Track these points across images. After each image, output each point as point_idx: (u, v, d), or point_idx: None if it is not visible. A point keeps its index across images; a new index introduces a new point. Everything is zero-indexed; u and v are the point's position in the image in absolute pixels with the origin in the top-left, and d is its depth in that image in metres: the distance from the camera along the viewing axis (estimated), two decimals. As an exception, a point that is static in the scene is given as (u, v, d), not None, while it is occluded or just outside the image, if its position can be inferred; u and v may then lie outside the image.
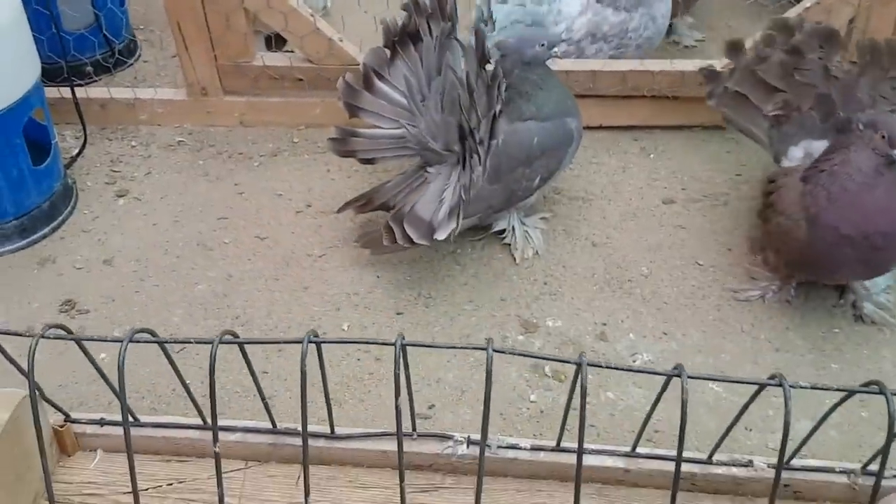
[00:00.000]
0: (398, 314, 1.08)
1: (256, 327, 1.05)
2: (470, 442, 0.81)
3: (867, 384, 0.61)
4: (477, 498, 0.63)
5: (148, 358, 0.97)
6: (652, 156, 1.35)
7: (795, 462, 0.75)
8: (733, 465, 0.79)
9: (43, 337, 0.61)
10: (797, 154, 1.07)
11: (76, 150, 1.35)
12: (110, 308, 1.08)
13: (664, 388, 0.66)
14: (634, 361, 1.00)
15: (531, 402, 0.95)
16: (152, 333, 0.66)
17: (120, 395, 0.61)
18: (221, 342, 0.61)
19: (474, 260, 1.15)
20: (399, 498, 0.79)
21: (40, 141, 1.20)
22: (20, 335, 0.64)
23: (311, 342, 0.61)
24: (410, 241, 1.02)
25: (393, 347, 0.59)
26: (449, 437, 0.82)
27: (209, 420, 0.81)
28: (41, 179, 1.19)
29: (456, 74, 1.05)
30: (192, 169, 1.35)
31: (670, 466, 0.79)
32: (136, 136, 1.42)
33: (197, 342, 0.62)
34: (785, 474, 0.65)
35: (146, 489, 0.78)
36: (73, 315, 1.07)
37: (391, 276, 1.13)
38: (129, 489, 0.79)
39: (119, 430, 0.82)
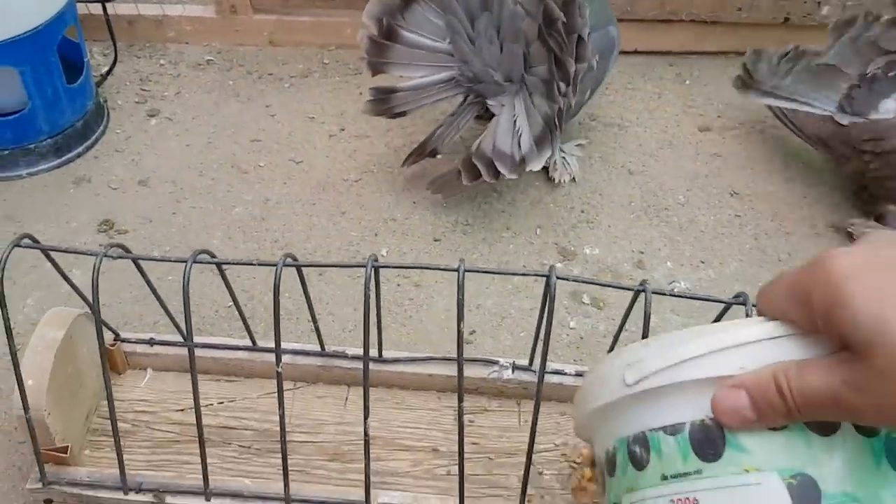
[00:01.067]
0: (436, 240, 1.07)
1: (296, 251, 1.05)
2: (515, 367, 0.82)
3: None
4: (533, 423, 0.63)
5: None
6: (688, 82, 1.32)
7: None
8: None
9: (106, 256, 0.60)
10: (891, 105, 1.05)
11: (105, 69, 1.33)
12: (148, 229, 1.08)
13: (723, 314, 0.65)
14: (673, 289, 0.99)
15: (570, 328, 0.96)
16: (211, 255, 0.65)
17: (185, 315, 0.60)
18: (285, 265, 0.61)
19: (511, 187, 1.13)
20: (444, 418, 0.81)
21: (72, 59, 1.17)
22: (84, 253, 0.63)
23: (374, 266, 0.60)
24: (496, 176, 1.00)
25: (454, 273, 0.58)
26: (494, 362, 0.82)
27: (257, 341, 0.82)
28: (75, 98, 1.16)
29: (520, 5, 1.01)
30: (222, 89, 1.32)
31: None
32: (164, 55, 1.39)
33: (260, 265, 0.62)
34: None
35: (198, 407, 0.79)
36: (111, 235, 1.06)
37: (428, 203, 1.12)
38: (180, 407, 0.80)
39: (168, 350, 0.83)
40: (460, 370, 0.62)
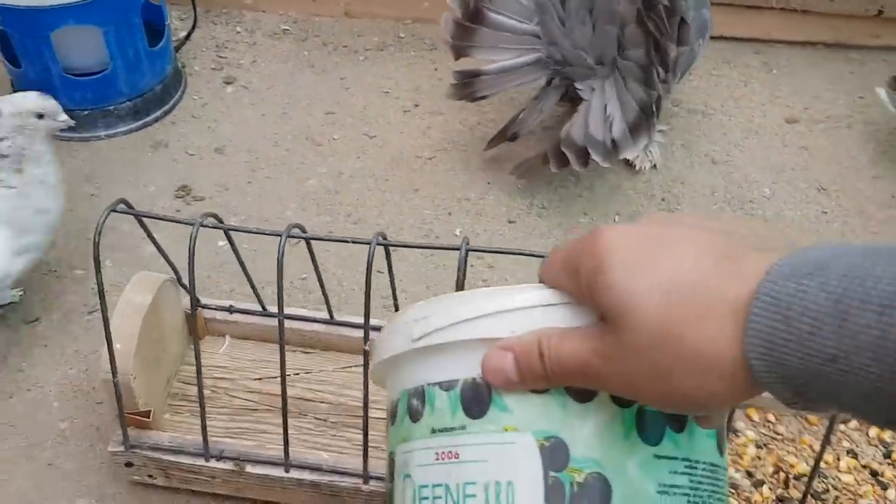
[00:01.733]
0: (510, 222, 1.05)
1: (368, 227, 1.04)
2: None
3: None
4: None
5: (264, 251, 0.96)
6: (774, 71, 1.28)
7: None
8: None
9: (203, 226, 0.60)
10: None
11: (183, 34, 1.33)
12: (224, 197, 1.08)
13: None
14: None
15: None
16: (302, 229, 0.65)
17: (278, 287, 0.60)
18: (378, 244, 0.60)
19: (589, 172, 1.11)
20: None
21: (153, 22, 1.18)
22: (181, 222, 0.63)
23: (468, 250, 0.59)
24: (586, 163, 0.98)
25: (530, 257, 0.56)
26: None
27: (334, 314, 0.81)
28: (155, 61, 1.17)
29: None
30: (297, 59, 1.32)
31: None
32: (240, 22, 1.38)
33: (354, 242, 0.61)
34: None
35: (274, 377, 0.79)
36: (188, 202, 1.07)
37: (503, 183, 1.10)
38: (258, 376, 0.80)
39: (247, 318, 0.83)
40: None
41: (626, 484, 0.38)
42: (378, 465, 0.70)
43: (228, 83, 1.27)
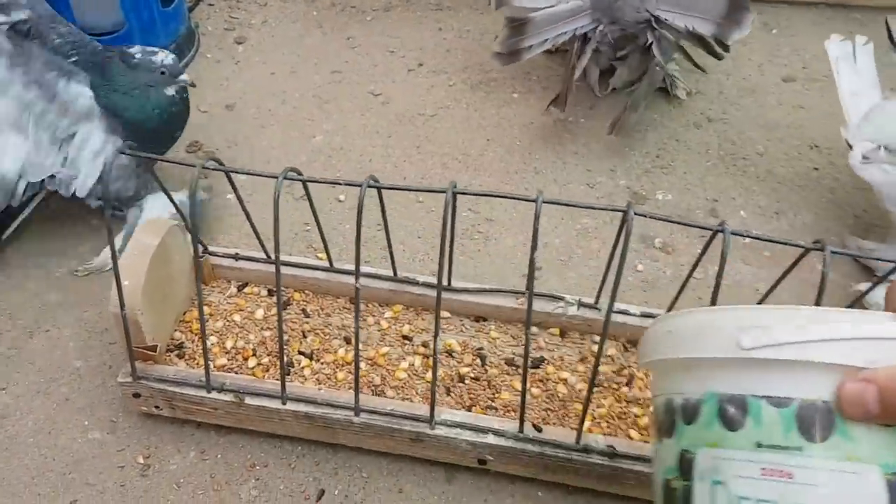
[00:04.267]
0: (509, 177, 1.07)
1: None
2: (581, 304, 0.83)
3: None
4: (598, 357, 0.64)
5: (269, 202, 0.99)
6: (774, 31, 1.28)
7: None
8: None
9: (204, 168, 0.63)
10: None
11: (196, -5, 1.35)
12: (234, 151, 1.11)
13: (799, 259, 0.65)
14: (745, 240, 0.98)
15: (637, 271, 0.96)
16: (298, 172, 0.68)
17: (274, 234, 0.63)
18: (369, 186, 0.62)
19: (585, 129, 1.13)
20: (508, 346, 0.82)
21: (166, -17, 1.20)
22: (183, 164, 0.66)
23: (454, 192, 0.61)
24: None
25: (526, 209, 0.59)
26: (560, 298, 0.83)
27: (333, 263, 0.84)
28: (169, 21, 1.19)
29: None
30: (306, 20, 1.34)
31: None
32: (252, -16, 1.40)
33: (347, 184, 0.63)
34: None
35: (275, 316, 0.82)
36: (199, 156, 1.10)
37: (501, 140, 1.12)
38: (262, 318, 0.83)
39: (252, 265, 0.86)
40: (530, 300, 0.64)
41: None
42: (368, 400, 0.73)
43: (239, 43, 1.29)
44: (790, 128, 1.13)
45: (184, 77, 0.94)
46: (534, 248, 0.61)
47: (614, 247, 0.70)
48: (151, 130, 0.94)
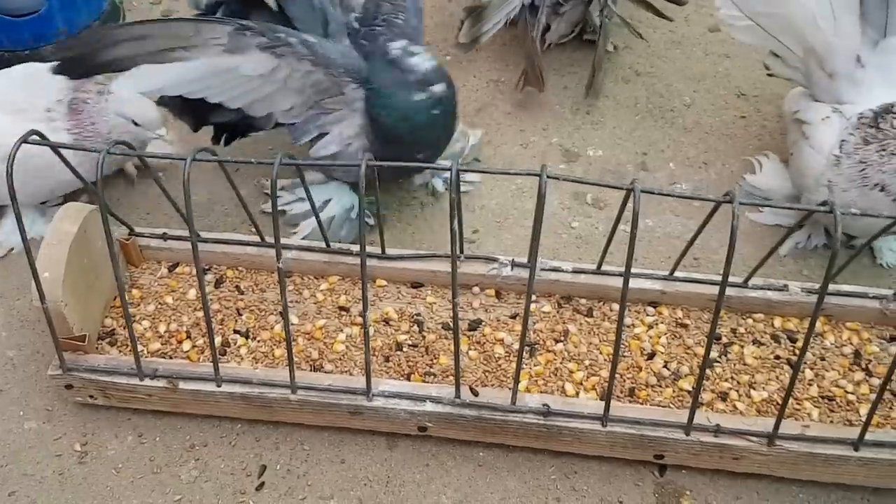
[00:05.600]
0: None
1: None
2: (514, 264, 0.81)
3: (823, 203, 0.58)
4: (525, 314, 0.63)
5: (204, 179, 0.96)
6: (700, -19, 1.26)
7: (830, 287, 0.74)
8: (768, 290, 0.79)
9: (109, 153, 0.59)
10: None
11: (117, -31, 1.28)
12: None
13: (712, 214, 0.64)
14: (673, 190, 0.97)
15: (571, 228, 0.94)
16: (213, 153, 0.65)
17: (187, 211, 0.60)
18: (281, 164, 0.60)
19: (516, 90, 1.10)
20: (445, 311, 0.81)
21: (84, -42, 1.14)
22: (87, 150, 0.62)
23: (367, 164, 0.59)
24: None
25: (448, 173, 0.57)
26: (494, 260, 0.82)
27: (266, 238, 0.82)
28: (90, -1, 1.14)
29: None
30: (233, -10, 1.28)
31: (705, 289, 0.79)
32: (175, -45, 1.34)
33: (258, 163, 0.61)
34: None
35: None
36: (127, 135, 1.05)
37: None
38: (193, 299, 0.80)
39: (181, 245, 0.83)
40: (454, 266, 0.62)
41: None
42: (304, 376, 0.72)
43: (166, 16, 1.24)
44: (716, 77, 1.12)
45: (437, 88, 0.81)
46: (452, 217, 0.59)
47: (538, 206, 0.68)
48: (395, 135, 0.82)
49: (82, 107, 0.84)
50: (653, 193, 0.59)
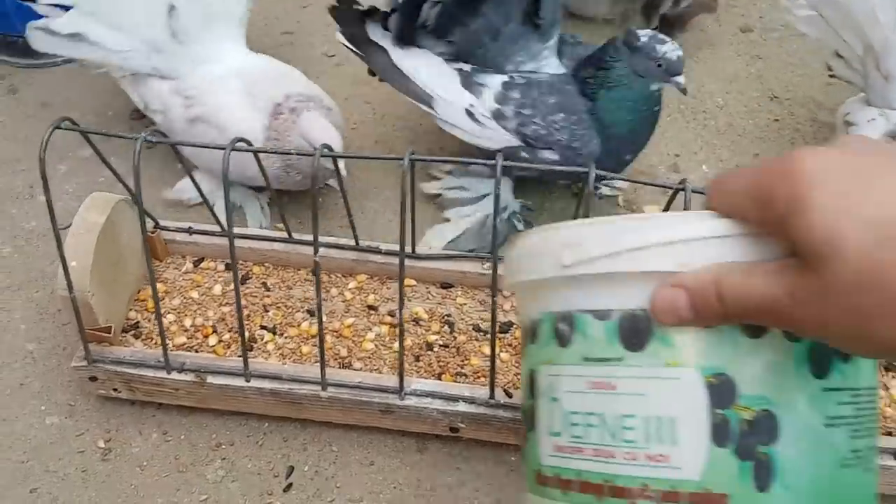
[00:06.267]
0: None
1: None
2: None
3: None
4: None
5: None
6: (730, -19, 1.26)
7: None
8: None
9: (146, 140, 0.59)
10: None
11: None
12: (183, 121, 1.06)
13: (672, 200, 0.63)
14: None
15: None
16: (248, 143, 0.64)
17: (226, 205, 0.60)
18: (322, 155, 0.59)
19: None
20: (476, 312, 0.80)
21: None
22: (123, 137, 0.62)
23: (412, 160, 0.59)
24: None
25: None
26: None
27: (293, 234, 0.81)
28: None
29: None
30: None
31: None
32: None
33: (298, 154, 0.60)
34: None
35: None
36: (146, 123, 1.05)
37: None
38: (220, 293, 0.80)
39: (207, 239, 0.83)
40: (495, 266, 0.62)
41: (794, 420, 0.36)
42: (335, 373, 0.71)
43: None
44: (749, 79, 1.12)
45: (680, 79, 0.80)
46: (496, 213, 0.59)
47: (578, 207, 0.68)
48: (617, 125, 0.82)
49: (278, 117, 0.83)
50: (702, 193, 0.59)
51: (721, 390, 0.36)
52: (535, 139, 0.83)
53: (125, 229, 0.75)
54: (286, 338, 0.77)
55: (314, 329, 0.77)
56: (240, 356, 0.72)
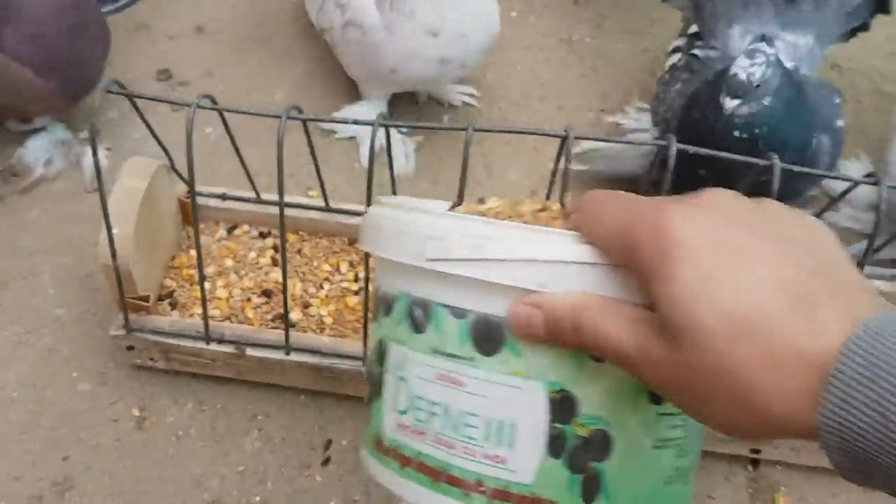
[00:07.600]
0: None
1: (361, 110, 1.05)
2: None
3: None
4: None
5: (255, 137, 0.98)
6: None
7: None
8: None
9: (199, 107, 0.62)
10: None
11: None
12: (210, 82, 1.09)
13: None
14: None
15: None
16: (300, 110, 0.67)
17: (278, 172, 0.63)
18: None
19: (594, 49, 1.12)
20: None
21: None
22: (177, 103, 0.65)
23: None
24: None
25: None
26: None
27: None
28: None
29: None
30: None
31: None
32: None
33: (355, 123, 0.63)
34: None
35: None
36: (173, 86, 1.08)
37: (499, 65, 1.11)
38: (254, 261, 0.83)
39: (241, 206, 0.86)
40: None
41: (626, 440, 0.40)
42: (378, 348, 0.75)
43: (209, -41, 1.25)
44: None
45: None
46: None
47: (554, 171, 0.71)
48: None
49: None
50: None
51: (562, 406, 0.40)
52: None
53: (162, 194, 0.78)
54: (323, 309, 0.80)
55: (353, 301, 0.80)
56: (275, 327, 0.76)
